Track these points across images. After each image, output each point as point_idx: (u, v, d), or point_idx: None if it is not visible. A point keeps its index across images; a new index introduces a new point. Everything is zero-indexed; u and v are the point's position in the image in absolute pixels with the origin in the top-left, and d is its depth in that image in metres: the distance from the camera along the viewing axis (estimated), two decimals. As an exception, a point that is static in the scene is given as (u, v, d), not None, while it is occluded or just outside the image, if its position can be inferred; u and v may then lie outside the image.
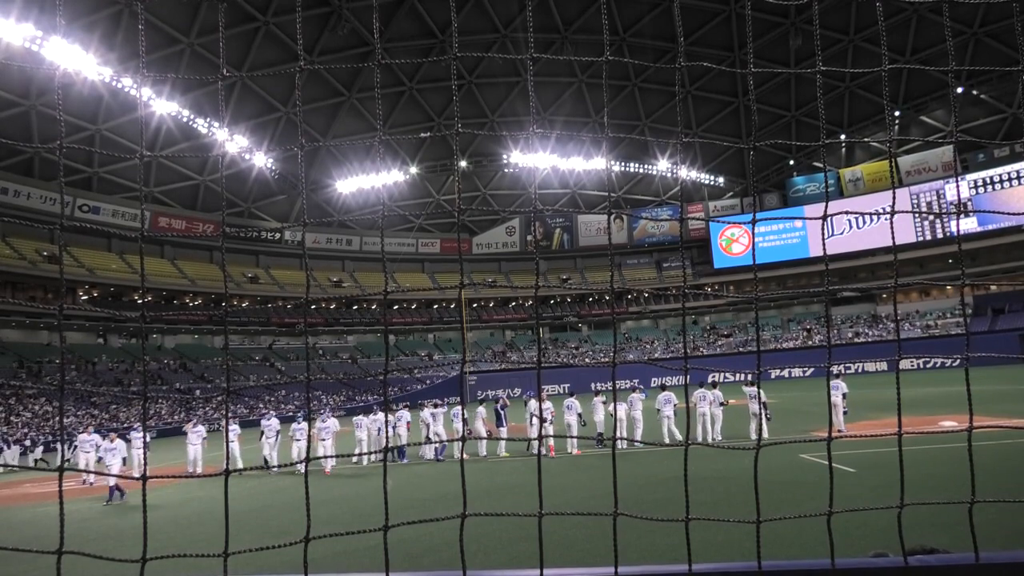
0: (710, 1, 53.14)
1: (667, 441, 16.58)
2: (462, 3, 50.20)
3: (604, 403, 18.80)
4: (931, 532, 7.02)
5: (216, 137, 47.63)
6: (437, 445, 18.17)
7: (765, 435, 15.70)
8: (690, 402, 16.63)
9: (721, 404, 17.12)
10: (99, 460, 16.92)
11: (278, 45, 47.89)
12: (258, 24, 45.80)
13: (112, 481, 14.51)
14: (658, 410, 17.37)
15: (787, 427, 18.15)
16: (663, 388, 17.90)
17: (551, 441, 16.54)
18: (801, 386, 37.36)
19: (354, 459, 18.52)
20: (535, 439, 1.91)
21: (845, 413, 16.96)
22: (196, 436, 17.99)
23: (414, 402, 47.78)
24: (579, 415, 17.76)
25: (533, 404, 18.59)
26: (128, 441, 18.13)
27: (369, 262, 63.84)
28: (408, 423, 19.07)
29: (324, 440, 17.39)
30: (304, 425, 17.79)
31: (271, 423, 18.51)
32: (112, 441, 16.14)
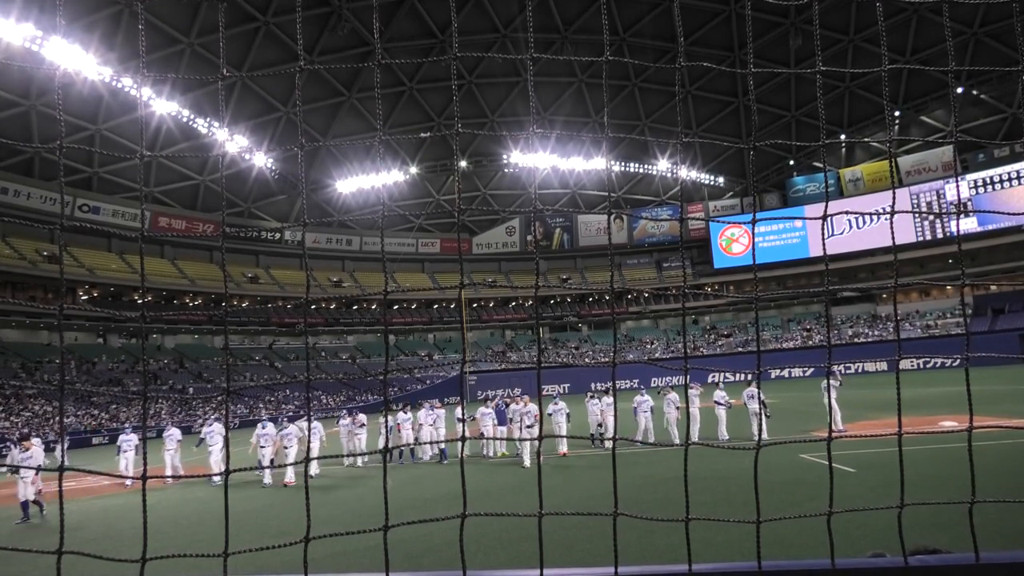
0: (710, 1, 53.14)
1: (724, 435, 16.69)
2: (462, 3, 50.20)
3: (597, 403, 18.54)
4: (931, 532, 7.02)
5: (216, 137, 47.63)
6: (439, 447, 17.82)
7: (765, 435, 15.70)
8: (691, 402, 16.57)
9: (718, 403, 17.11)
10: (15, 471, 13.98)
11: (278, 45, 47.89)
12: (258, 24, 45.81)
13: (22, 495, 12.76)
14: (716, 402, 17.36)
15: (787, 427, 18.15)
16: (714, 386, 17.97)
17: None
18: (801, 386, 37.36)
19: (346, 462, 18.02)
20: (534, 439, 1.91)
21: (840, 384, 17.00)
22: (171, 441, 17.26)
23: (414, 402, 47.94)
24: (567, 414, 17.49)
25: (515, 407, 18.02)
26: (119, 447, 17.83)
27: (369, 262, 63.84)
28: (399, 425, 18.32)
29: (288, 448, 16.03)
30: (269, 431, 16.47)
31: (172, 432, 17.53)
32: (27, 449, 13.87)
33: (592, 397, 19.16)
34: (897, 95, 57.97)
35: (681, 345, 59.45)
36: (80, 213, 46.96)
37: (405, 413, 18.95)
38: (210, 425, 17.42)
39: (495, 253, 68.58)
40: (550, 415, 17.61)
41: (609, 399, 18.23)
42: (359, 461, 18.13)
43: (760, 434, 13.85)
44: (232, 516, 1.72)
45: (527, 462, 15.56)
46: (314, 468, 16.69)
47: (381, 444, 18.12)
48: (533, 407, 16.74)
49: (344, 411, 20.43)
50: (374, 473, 16.53)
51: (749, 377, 18.23)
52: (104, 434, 35.59)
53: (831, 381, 16.90)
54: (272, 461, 16.69)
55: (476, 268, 67.27)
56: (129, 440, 17.57)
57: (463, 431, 2.09)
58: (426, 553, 8.21)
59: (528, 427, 16.63)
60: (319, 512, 11.67)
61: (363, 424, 18.66)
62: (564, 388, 52.99)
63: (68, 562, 1.64)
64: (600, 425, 17.84)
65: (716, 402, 17.16)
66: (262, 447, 16.20)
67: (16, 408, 36.52)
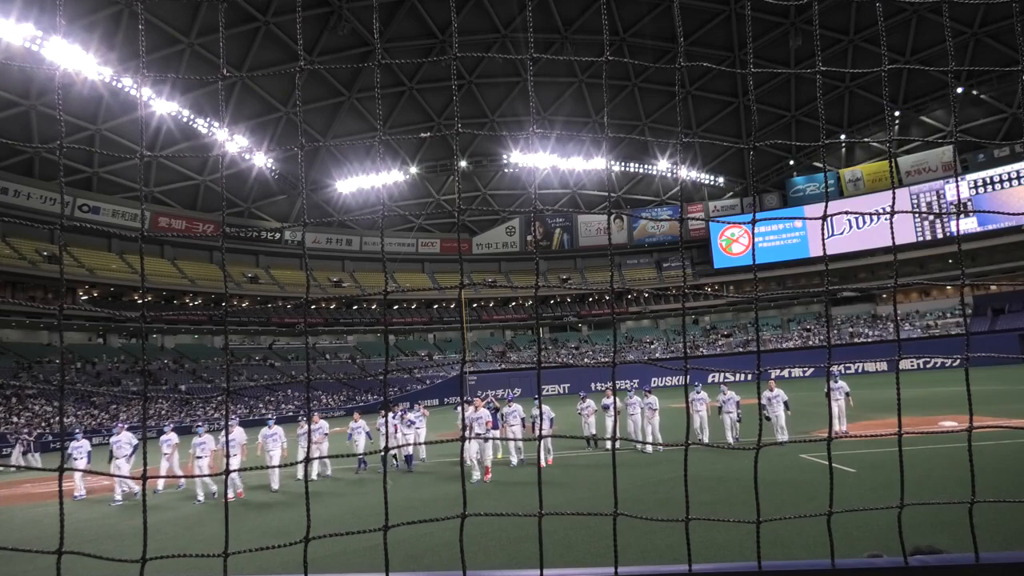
0: (710, 1, 53.13)
1: (730, 439, 16.02)
2: (462, 3, 50.20)
3: (588, 407, 17.89)
4: (931, 532, 7.02)
5: (216, 137, 47.63)
6: (400, 453, 16.54)
7: (785, 436, 15.58)
8: (690, 404, 16.20)
9: (723, 404, 16.89)
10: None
11: (278, 45, 47.89)
12: (258, 24, 45.80)
13: None
14: (720, 407, 16.56)
15: (787, 427, 18.11)
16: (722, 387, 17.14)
17: (487, 462, 14.24)
18: (801, 386, 37.34)
19: (298, 474, 16.03)
20: (534, 439, 1.91)
21: (848, 394, 16.68)
22: (118, 447, 15.61)
23: (414, 402, 47.84)
24: (551, 419, 16.09)
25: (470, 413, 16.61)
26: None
27: (369, 262, 63.85)
28: (396, 426, 17.13)
29: (232, 457, 13.92)
30: (207, 439, 14.65)
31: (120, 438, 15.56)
32: None
33: (584, 400, 18.43)
34: (897, 95, 57.96)
35: (681, 345, 59.45)
36: (80, 213, 46.96)
37: (383, 417, 17.56)
38: (117, 434, 15.60)
39: (495, 253, 68.58)
40: (532, 421, 15.80)
41: (593, 401, 17.79)
42: (314, 472, 16.11)
43: (760, 435, 13.72)
44: (232, 516, 1.72)
45: (476, 474, 13.90)
46: (275, 482, 14.86)
47: (361, 448, 17.15)
48: (485, 413, 15.20)
49: (303, 417, 18.63)
50: (331, 489, 14.47)
51: (750, 377, 18.04)
52: (104, 434, 35.57)
53: (838, 383, 16.62)
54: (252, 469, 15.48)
55: (476, 268, 67.28)
56: (80, 447, 15.91)
57: (463, 431, 2.09)
58: (426, 553, 8.21)
59: (477, 434, 15.42)
60: (319, 512, 11.67)
61: (325, 432, 16.33)
62: (564, 388, 53.03)
63: (68, 562, 1.65)
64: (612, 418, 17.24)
65: (720, 405, 16.72)
66: (198, 457, 14.35)
67: (16, 408, 36.53)
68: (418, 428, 17.40)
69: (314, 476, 16.10)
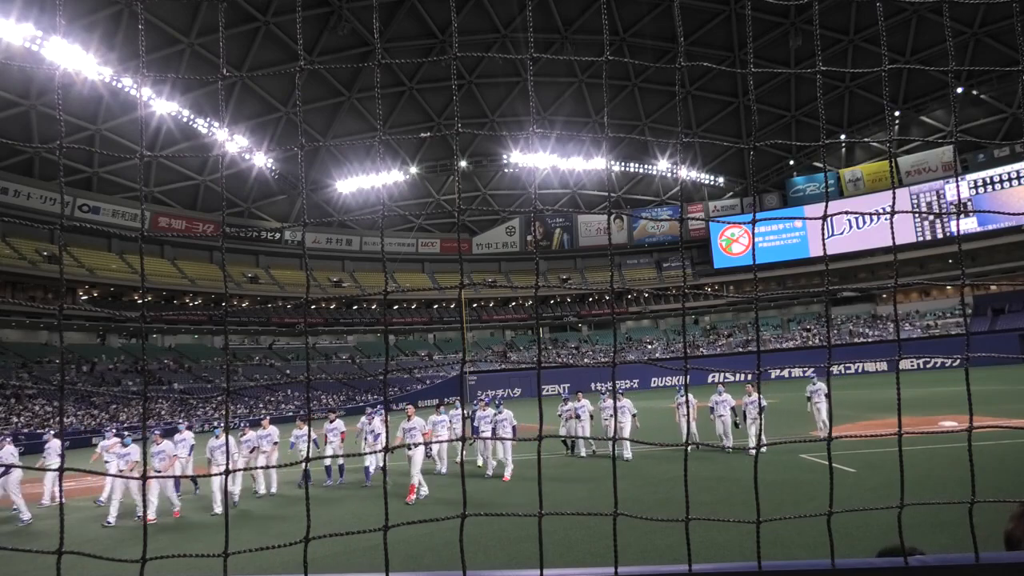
0: (710, 1, 53.14)
1: (724, 442, 15.14)
2: (462, 3, 50.20)
3: (570, 410, 16.77)
4: (931, 532, 7.04)
5: (216, 137, 47.63)
6: (370, 464, 15.00)
7: (752, 443, 15.18)
8: (685, 406, 15.86)
9: (716, 404, 16.50)
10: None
11: (278, 45, 47.90)
12: (258, 24, 45.81)
13: None
14: (711, 408, 15.85)
15: (787, 427, 18.14)
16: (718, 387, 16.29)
17: (414, 480, 12.36)
18: (801, 386, 37.34)
19: (260, 488, 14.41)
20: (534, 439, 1.91)
21: (826, 398, 16.36)
22: (51, 453, 14.15)
23: (414, 402, 47.84)
24: (514, 427, 14.95)
25: (443, 417, 15.30)
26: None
27: (369, 262, 63.85)
28: (325, 436, 15.36)
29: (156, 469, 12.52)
30: (131, 450, 12.63)
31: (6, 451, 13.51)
32: None
33: (566, 403, 17.18)
34: (897, 95, 57.96)
35: (681, 345, 59.45)
36: (80, 213, 46.96)
37: (331, 422, 15.51)
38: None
39: (495, 253, 68.59)
40: (494, 428, 14.73)
41: (572, 404, 16.86)
42: (262, 487, 14.39)
43: (760, 435, 13.63)
44: (232, 516, 1.72)
45: (424, 491, 12.55)
46: (217, 504, 12.58)
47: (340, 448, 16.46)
48: (418, 421, 13.70)
49: (244, 423, 16.34)
50: (330, 493, 13.70)
51: (750, 377, 18.00)
52: (104, 434, 35.58)
53: (815, 385, 16.26)
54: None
55: (476, 268, 67.27)
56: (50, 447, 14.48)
57: (463, 431, 2.10)
58: (426, 553, 8.22)
59: (414, 446, 14.17)
60: (319, 513, 11.68)
61: (275, 441, 14.67)
62: (564, 388, 53.01)
63: (68, 562, 1.65)
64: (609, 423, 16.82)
65: (711, 407, 15.99)
66: (122, 470, 12.32)
67: (16, 408, 36.54)
68: (379, 434, 15.69)
69: (265, 488, 14.53)
